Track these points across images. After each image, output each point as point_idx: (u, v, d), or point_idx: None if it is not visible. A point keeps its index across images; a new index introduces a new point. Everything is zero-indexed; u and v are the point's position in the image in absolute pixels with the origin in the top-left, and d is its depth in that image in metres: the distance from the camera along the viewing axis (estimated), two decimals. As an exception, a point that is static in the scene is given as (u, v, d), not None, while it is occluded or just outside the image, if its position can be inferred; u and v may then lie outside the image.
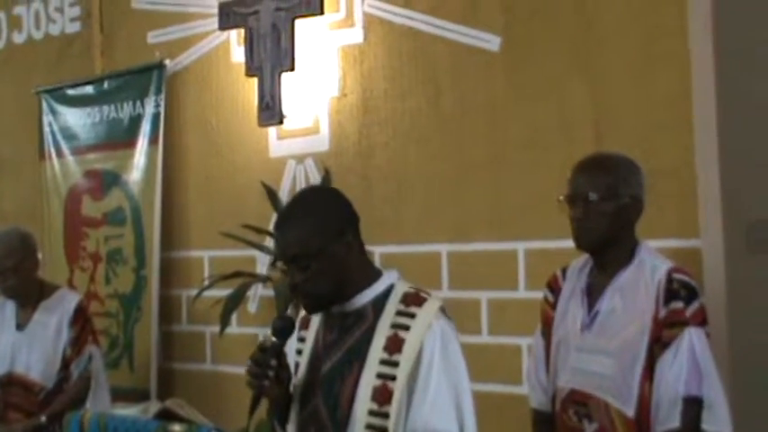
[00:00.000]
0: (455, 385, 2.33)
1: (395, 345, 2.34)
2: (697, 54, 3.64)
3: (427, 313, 2.36)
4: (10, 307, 4.34)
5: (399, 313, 2.37)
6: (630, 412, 2.71)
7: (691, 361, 2.65)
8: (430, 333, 2.33)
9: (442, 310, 2.41)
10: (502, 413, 4.03)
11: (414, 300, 2.39)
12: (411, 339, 2.33)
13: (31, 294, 4.29)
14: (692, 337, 2.67)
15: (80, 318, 4.31)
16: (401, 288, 2.43)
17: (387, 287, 2.43)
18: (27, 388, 4.24)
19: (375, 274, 2.46)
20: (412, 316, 2.36)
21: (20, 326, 4.30)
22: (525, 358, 4.03)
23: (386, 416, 2.30)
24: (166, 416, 2.46)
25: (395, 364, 2.32)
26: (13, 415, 4.25)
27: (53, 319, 4.26)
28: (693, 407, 2.65)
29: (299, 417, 2.46)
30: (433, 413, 2.29)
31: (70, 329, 4.25)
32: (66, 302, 4.32)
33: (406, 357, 2.32)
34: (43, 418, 4.14)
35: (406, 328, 2.35)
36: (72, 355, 4.24)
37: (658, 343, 2.69)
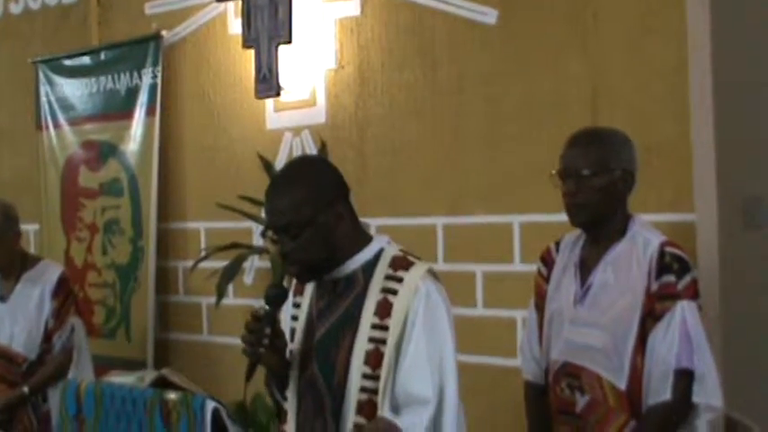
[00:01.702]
0: (437, 348, 2.34)
1: (384, 309, 2.36)
2: (694, 28, 3.63)
3: (414, 277, 2.38)
4: None
5: (388, 277, 2.40)
6: (622, 385, 2.73)
7: (682, 334, 2.67)
8: (416, 297, 2.35)
9: (431, 272, 2.42)
10: (496, 385, 4.06)
11: (401, 263, 2.42)
12: (399, 304, 2.35)
13: (13, 266, 4.27)
14: (683, 311, 2.68)
15: (62, 289, 4.30)
16: (390, 252, 2.45)
17: (376, 252, 2.45)
18: (9, 359, 4.23)
19: (365, 240, 2.48)
20: (399, 280, 2.38)
21: (2, 297, 4.29)
22: (520, 331, 4.05)
23: (377, 378, 2.33)
24: (162, 384, 2.47)
25: (385, 328, 2.35)
26: (-4, 386, 4.26)
27: (35, 291, 4.25)
28: (684, 379, 2.67)
29: (297, 383, 2.49)
30: (410, 376, 2.31)
31: (52, 301, 4.24)
32: (48, 274, 4.31)
33: (394, 322, 2.34)
34: (26, 389, 4.13)
35: (394, 292, 2.37)
36: (54, 326, 4.23)
37: (650, 316, 2.70)
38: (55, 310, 4.24)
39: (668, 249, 2.75)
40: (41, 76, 6.03)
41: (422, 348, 2.32)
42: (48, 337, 4.24)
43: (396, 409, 2.31)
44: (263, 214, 4.81)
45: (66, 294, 4.31)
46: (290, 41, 4.71)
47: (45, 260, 4.52)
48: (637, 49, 3.81)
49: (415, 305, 2.35)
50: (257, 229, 4.93)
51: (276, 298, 2.43)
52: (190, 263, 5.10)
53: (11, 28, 6.42)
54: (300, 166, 2.61)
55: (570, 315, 2.87)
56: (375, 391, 2.34)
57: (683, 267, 2.73)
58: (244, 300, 5.04)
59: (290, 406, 2.51)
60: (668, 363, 2.67)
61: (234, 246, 4.79)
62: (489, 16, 4.19)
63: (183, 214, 5.42)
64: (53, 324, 4.24)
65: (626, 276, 2.77)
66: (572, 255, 2.95)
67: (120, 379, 2.57)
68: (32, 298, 4.24)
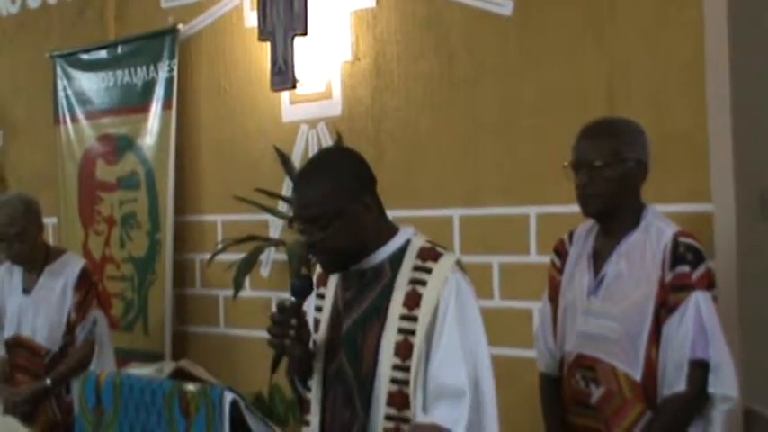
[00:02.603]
0: (470, 339, 2.32)
1: (413, 300, 2.35)
2: (711, 18, 3.62)
3: (443, 268, 2.36)
4: (17, 271, 4.36)
5: (416, 268, 2.38)
6: (637, 376, 2.73)
7: (697, 324, 2.66)
8: (445, 287, 2.34)
9: (458, 264, 2.41)
10: (513, 376, 4.05)
11: (430, 254, 2.40)
12: (428, 294, 2.34)
13: (36, 259, 4.31)
14: (698, 301, 2.67)
15: (84, 282, 4.32)
16: (417, 243, 2.44)
17: (403, 243, 2.44)
18: (33, 351, 4.27)
19: (392, 231, 2.47)
20: (428, 271, 2.37)
21: (26, 290, 4.33)
22: (536, 322, 4.05)
23: (409, 369, 2.32)
24: (181, 376, 2.49)
25: (414, 319, 2.33)
26: (20, 377, 4.29)
27: (58, 284, 4.28)
28: (700, 370, 2.67)
29: (323, 375, 2.48)
30: (443, 367, 2.29)
31: (75, 294, 4.27)
32: (70, 267, 4.33)
33: (423, 312, 2.33)
34: (48, 381, 4.18)
35: (423, 283, 2.36)
36: (76, 319, 4.27)
37: (665, 307, 2.70)
38: (77, 303, 4.27)
39: (682, 239, 2.74)
40: (59, 70, 6.07)
41: (455, 340, 2.31)
42: (70, 329, 4.27)
43: (429, 403, 2.30)
44: (279, 207, 4.84)
45: (87, 287, 4.33)
46: (305, 34, 4.72)
47: (68, 253, 4.55)
48: (654, 39, 3.79)
49: (445, 296, 2.33)
50: (273, 221, 4.94)
51: (302, 289, 2.42)
52: (207, 255, 5.12)
53: (29, 22, 6.46)
54: (328, 157, 2.61)
55: (584, 306, 2.87)
56: (405, 382, 2.33)
57: (697, 257, 2.71)
58: (261, 292, 5.06)
59: (315, 396, 2.50)
60: (683, 353, 2.66)
61: (250, 238, 4.80)
62: (505, 7, 4.18)
63: (200, 207, 5.44)
64: (75, 316, 4.27)
65: (640, 267, 2.76)
66: (585, 246, 2.94)
67: (138, 370, 2.58)
68: (55, 290, 4.27)
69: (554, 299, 3.02)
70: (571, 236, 3.03)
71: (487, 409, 2.31)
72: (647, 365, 2.72)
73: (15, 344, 4.32)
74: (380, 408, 2.36)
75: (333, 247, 2.39)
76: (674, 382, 2.67)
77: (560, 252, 3.04)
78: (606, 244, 2.87)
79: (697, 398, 2.68)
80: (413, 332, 2.33)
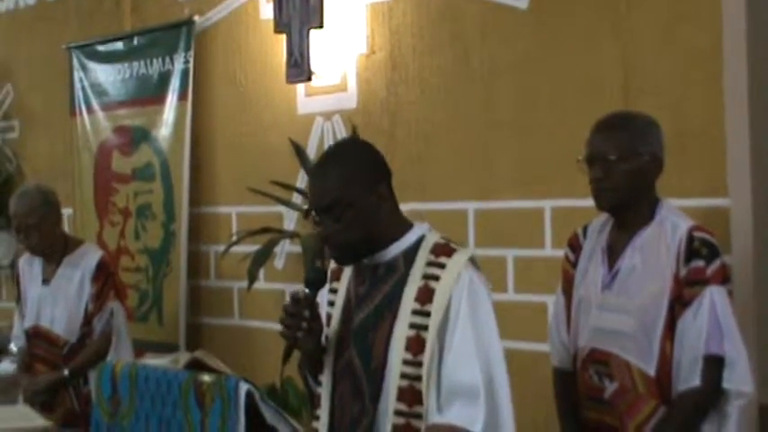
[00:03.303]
0: (483, 337, 2.32)
1: (426, 295, 2.35)
2: (728, 13, 3.60)
3: (456, 264, 2.36)
4: (37, 261, 4.39)
5: (430, 264, 2.38)
6: (651, 371, 2.72)
7: (712, 319, 2.65)
8: (458, 284, 2.33)
9: (472, 260, 2.40)
10: (527, 370, 4.04)
11: (443, 250, 2.40)
12: (441, 290, 2.33)
13: (55, 250, 4.32)
14: (713, 296, 2.66)
15: (102, 274, 4.34)
16: (432, 239, 2.44)
17: (417, 238, 2.44)
18: (51, 341, 4.30)
19: (406, 226, 2.47)
20: (442, 266, 2.36)
21: (45, 280, 4.35)
22: (551, 316, 4.05)
23: (420, 365, 2.32)
24: (196, 366, 2.50)
25: (426, 314, 2.33)
26: (38, 367, 4.32)
27: (76, 275, 4.30)
28: (714, 365, 2.66)
29: (332, 368, 2.48)
30: (457, 366, 2.29)
31: (92, 285, 4.29)
32: (88, 258, 4.35)
33: (436, 308, 2.32)
34: (66, 372, 4.20)
35: (436, 278, 2.35)
36: (94, 310, 4.28)
37: (679, 301, 2.69)
38: (94, 294, 4.29)
39: (697, 234, 2.73)
40: (75, 61, 6.09)
41: (467, 338, 2.30)
42: (88, 320, 4.29)
43: (444, 403, 2.29)
44: (294, 199, 4.84)
45: (105, 278, 4.35)
46: (321, 26, 4.72)
47: (86, 244, 4.57)
48: (670, 34, 3.78)
49: (458, 293, 2.33)
50: (288, 213, 4.95)
51: (316, 281, 2.43)
52: (221, 247, 5.14)
53: (45, 14, 6.48)
54: (343, 148, 2.63)
55: (598, 301, 2.86)
56: (416, 377, 2.32)
57: (711, 252, 2.70)
58: (275, 284, 5.07)
59: (324, 390, 2.50)
60: (697, 349, 2.65)
61: (265, 230, 4.81)
62: (521, 1, 4.17)
63: (215, 199, 5.45)
64: (93, 307, 4.28)
65: (654, 261, 2.75)
66: (599, 240, 2.93)
67: (154, 361, 2.60)
68: (73, 281, 4.29)
69: (567, 293, 3.01)
70: (585, 230, 3.02)
71: (502, 407, 2.30)
72: (661, 360, 2.71)
73: (34, 334, 4.35)
74: (390, 403, 2.35)
75: (346, 238, 2.40)
76: (689, 378, 2.66)
77: (574, 246, 3.03)
78: (620, 238, 2.86)
79: (712, 393, 2.67)
80: (425, 327, 2.33)
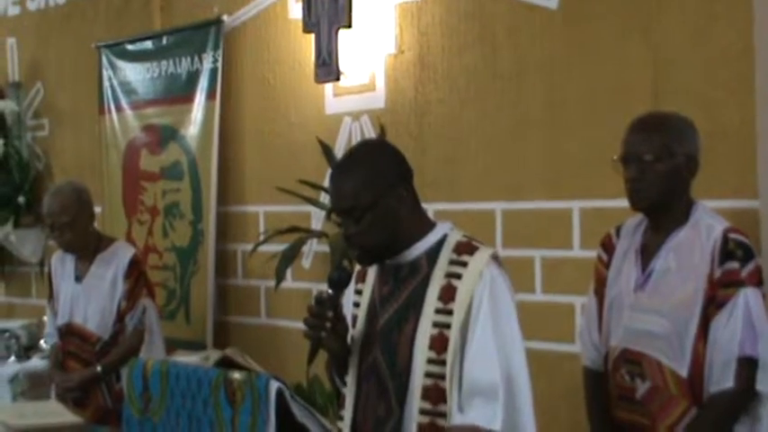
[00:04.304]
0: (503, 335, 2.32)
1: (448, 294, 2.36)
2: (760, 13, 3.58)
3: (478, 262, 2.37)
4: (69, 259, 4.42)
5: (452, 262, 2.39)
6: (684, 372, 2.71)
7: (746, 321, 2.64)
8: (480, 282, 2.34)
9: (495, 258, 2.41)
10: (554, 371, 4.05)
11: (466, 248, 2.41)
12: (463, 288, 2.34)
13: (87, 247, 4.35)
14: (747, 298, 2.65)
15: (134, 271, 4.37)
16: (454, 237, 2.44)
17: (440, 237, 2.45)
18: (84, 338, 4.33)
19: (428, 226, 2.48)
20: (464, 264, 2.37)
21: (78, 278, 4.38)
22: (578, 317, 4.03)
23: (444, 363, 2.32)
24: (226, 364, 2.51)
25: (449, 313, 2.34)
26: (71, 364, 4.35)
27: (109, 272, 4.33)
28: (748, 367, 2.64)
29: (358, 369, 2.49)
30: (476, 364, 2.29)
31: (125, 282, 4.32)
32: (120, 255, 4.38)
33: (458, 306, 2.33)
34: (99, 369, 4.23)
35: (459, 276, 2.36)
36: (127, 307, 4.31)
37: (713, 303, 2.67)
38: (127, 292, 4.32)
39: (732, 236, 2.71)
40: (104, 60, 6.12)
41: (487, 336, 2.30)
42: (120, 317, 4.32)
43: (464, 401, 2.30)
44: (322, 198, 4.85)
45: (137, 276, 4.38)
46: (350, 26, 4.73)
47: (118, 241, 4.61)
48: (701, 34, 3.76)
49: (479, 291, 2.33)
50: (316, 212, 4.96)
51: (339, 281, 2.44)
52: (249, 246, 5.15)
53: (75, 12, 6.53)
54: (363, 149, 2.63)
55: (630, 301, 2.85)
56: (440, 376, 2.33)
57: (746, 254, 2.69)
58: (302, 283, 5.09)
59: (349, 390, 2.51)
60: (731, 350, 2.64)
61: (293, 229, 4.82)
62: (551, 1, 4.16)
63: (243, 198, 5.47)
64: (125, 305, 4.32)
65: (688, 263, 2.74)
66: (633, 240, 2.92)
67: (185, 358, 2.61)
68: (106, 279, 4.32)
69: (600, 293, 3.00)
70: (618, 230, 3.01)
71: (523, 406, 2.31)
72: (693, 362, 2.70)
73: (68, 331, 4.38)
74: (415, 402, 2.35)
75: (367, 240, 2.41)
76: (722, 379, 2.65)
77: (607, 247, 3.02)
78: (654, 239, 2.85)
79: (744, 395, 2.66)
80: (448, 326, 2.34)
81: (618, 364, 2.88)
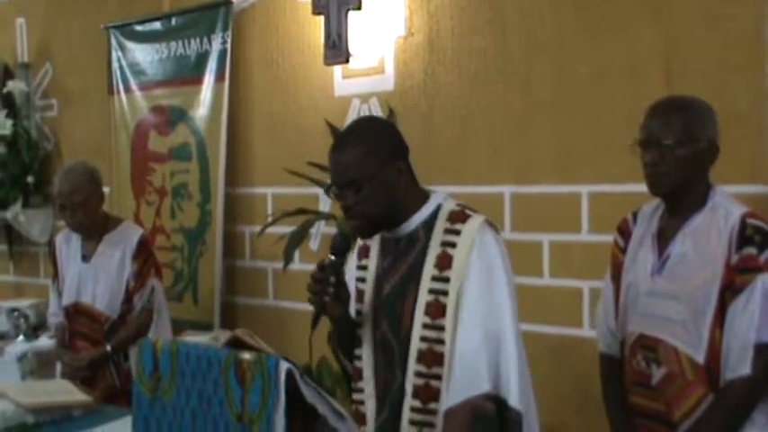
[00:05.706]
0: (492, 296, 2.39)
1: (444, 261, 2.44)
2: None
3: (470, 229, 2.45)
4: (75, 238, 4.41)
5: (447, 231, 2.47)
6: (700, 358, 2.68)
7: (763, 308, 2.61)
8: (473, 250, 2.41)
9: (488, 223, 2.48)
10: (561, 355, 4.05)
11: (458, 217, 2.49)
12: (458, 256, 2.42)
13: (96, 227, 4.35)
14: (765, 284, 2.62)
15: (143, 251, 4.37)
16: (448, 207, 2.52)
17: (435, 208, 2.53)
18: (93, 318, 4.33)
19: (424, 198, 2.55)
20: (457, 233, 2.45)
21: (85, 257, 4.37)
22: (586, 301, 4.04)
23: (439, 328, 2.41)
24: (236, 344, 2.51)
25: (446, 280, 2.43)
26: (79, 343, 4.35)
27: (117, 252, 4.33)
28: (765, 354, 2.61)
29: (372, 342, 2.58)
30: (462, 332, 2.37)
31: (133, 262, 4.32)
32: (129, 236, 4.38)
33: (455, 274, 2.42)
34: (108, 348, 4.24)
35: (453, 245, 2.44)
36: (135, 287, 4.32)
37: (730, 289, 2.65)
38: (135, 272, 4.32)
39: (750, 221, 2.68)
40: (113, 41, 6.12)
41: (476, 298, 2.38)
42: (129, 297, 4.32)
43: (452, 371, 2.37)
44: (329, 180, 4.84)
45: (146, 256, 4.39)
46: (359, 8, 4.72)
47: (126, 222, 4.59)
48: (712, 16, 3.74)
49: (472, 260, 2.41)
50: (324, 195, 4.96)
51: (341, 248, 2.50)
52: (256, 228, 5.16)
53: (84, -7, 6.52)
54: (360, 124, 2.68)
55: (647, 287, 2.83)
56: (435, 341, 2.42)
57: (765, 240, 2.65)
58: (310, 265, 4.99)
59: (367, 364, 2.59)
60: (748, 337, 2.61)
61: (301, 211, 4.83)
62: (562, -18, 4.14)
63: (251, 179, 5.48)
64: (134, 285, 4.32)
65: (705, 248, 2.71)
66: (650, 225, 2.90)
67: (194, 339, 2.61)
68: (114, 259, 4.32)
69: (616, 279, 2.98)
70: (635, 215, 2.98)
71: (509, 362, 2.35)
72: (710, 348, 2.67)
73: (75, 311, 4.38)
74: (410, 365, 2.45)
75: (367, 209, 2.47)
76: (739, 366, 2.62)
77: (624, 232, 2.99)
78: (672, 224, 2.82)
79: (762, 382, 2.63)
80: (444, 293, 2.43)
81: (634, 349, 2.86)
